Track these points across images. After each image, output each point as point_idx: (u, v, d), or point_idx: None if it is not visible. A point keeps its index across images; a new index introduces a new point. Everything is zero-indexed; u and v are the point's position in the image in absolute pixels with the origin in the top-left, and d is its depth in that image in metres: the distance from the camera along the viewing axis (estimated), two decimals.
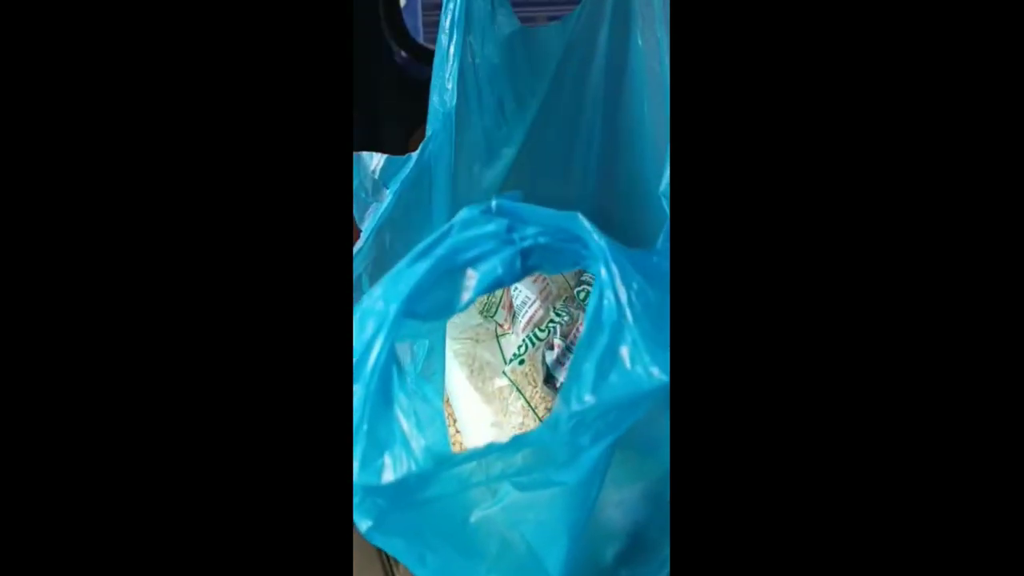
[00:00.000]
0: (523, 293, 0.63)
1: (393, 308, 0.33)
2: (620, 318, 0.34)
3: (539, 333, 0.61)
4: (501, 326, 0.67)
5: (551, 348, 0.60)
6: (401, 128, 1.12)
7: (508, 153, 0.63)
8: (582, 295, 0.63)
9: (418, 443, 0.33)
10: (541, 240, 0.35)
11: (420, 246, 0.34)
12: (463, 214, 0.35)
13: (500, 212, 0.35)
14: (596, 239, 0.36)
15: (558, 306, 0.62)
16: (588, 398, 0.33)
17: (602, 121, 0.68)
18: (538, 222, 0.35)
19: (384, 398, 0.34)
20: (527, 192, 0.46)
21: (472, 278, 0.34)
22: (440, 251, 0.34)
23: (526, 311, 0.62)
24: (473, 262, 0.34)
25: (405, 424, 0.34)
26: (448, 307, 0.35)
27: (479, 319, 0.68)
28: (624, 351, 0.35)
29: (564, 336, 0.60)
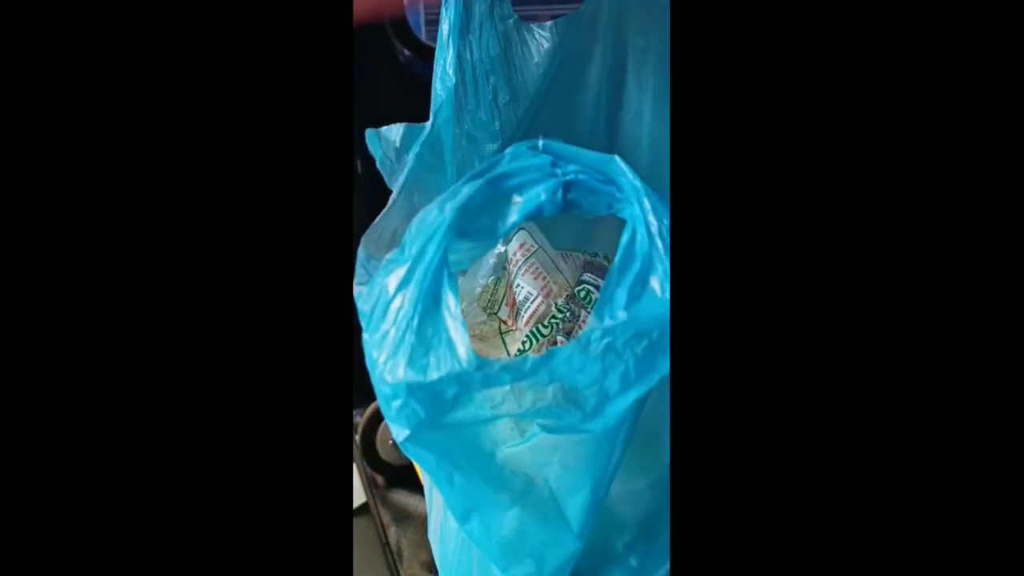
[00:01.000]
0: (525, 289, 0.64)
1: (448, 213, 0.35)
2: (651, 249, 0.37)
3: (543, 329, 0.62)
4: (504, 323, 0.68)
5: (554, 344, 0.62)
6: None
7: (496, 147, 0.64)
8: (582, 293, 0.65)
9: (463, 345, 0.36)
10: (581, 177, 0.38)
11: (473, 170, 0.37)
12: (511, 149, 0.38)
13: (546, 150, 0.39)
14: (631, 179, 0.39)
15: (559, 303, 0.64)
16: (620, 314, 0.36)
17: (605, 123, 0.70)
18: (579, 161, 0.39)
19: (434, 300, 0.36)
20: None
21: (517, 203, 0.37)
22: (491, 175, 0.37)
23: (528, 306, 0.64)
24: (519, 188, 0.37)
25: (451, 327, 0.36)
26: (493, 230, 0.37)
27: (483, 316, 0.70)
28: (654, 281, 0.37)
29: (567, 333, 0.61)
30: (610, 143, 0.68)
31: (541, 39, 0.65)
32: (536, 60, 0.65)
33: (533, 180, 0.38)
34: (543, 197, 0.37)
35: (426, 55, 1.12)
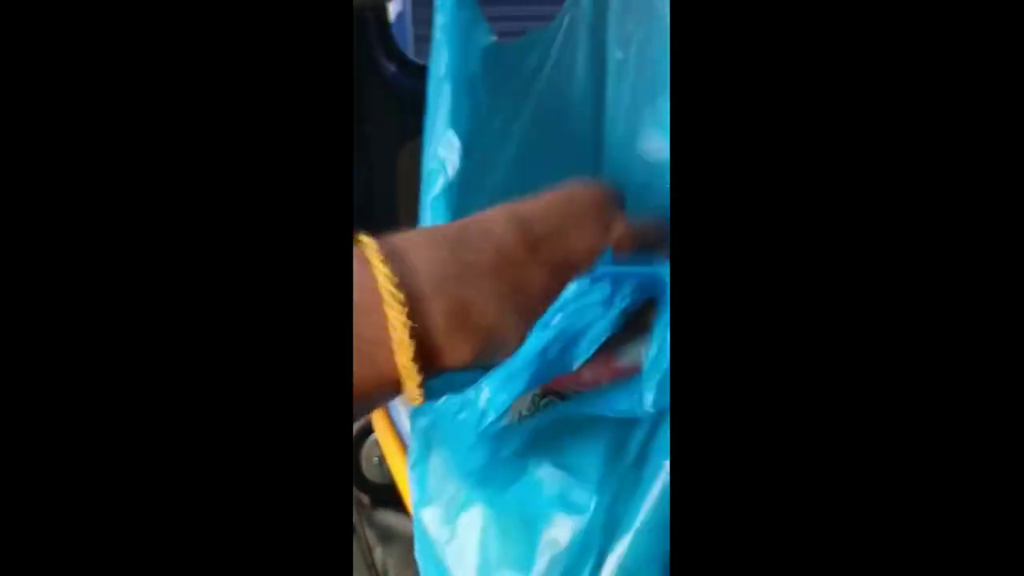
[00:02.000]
0: None
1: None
2: None
3: None
4: None
5: None
6: (390, 141, 1.13)
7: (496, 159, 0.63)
8: None
9: None
10: (635, 297, 0.37)
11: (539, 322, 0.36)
12: (572, 288, 0.37)
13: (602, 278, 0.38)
14: None
15: None
16: None
17: (591, 143, 0.67)
18: (633, 279, 0.38)
19: None
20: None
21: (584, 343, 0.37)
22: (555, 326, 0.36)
23: None
24: (584, 330, 0.37)
25: None
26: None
27: None
28: None
29: None
30: (596, 166, 0.66)
31: (517, 58, 0.63)
32: (515, 80, 0.63)
33: (596, 318, 0.37)
34: (609, 330, 0.37)
35: (412, 72, 1.10)
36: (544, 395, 0.45)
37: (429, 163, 0.54)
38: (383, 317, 0.28)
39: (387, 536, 0.98)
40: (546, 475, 0.42)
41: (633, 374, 0.37)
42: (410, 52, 1.19)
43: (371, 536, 0.98)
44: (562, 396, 0.47)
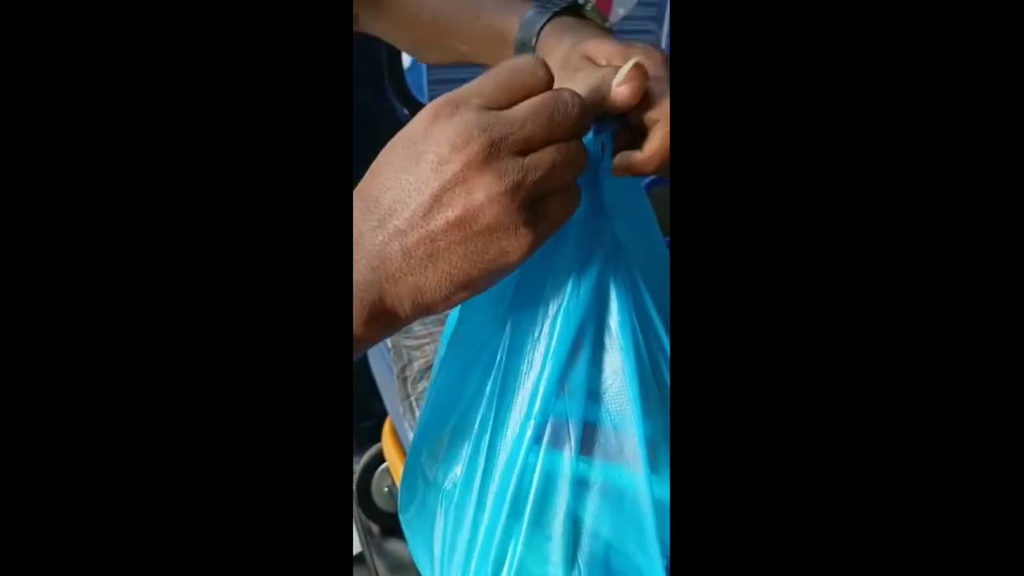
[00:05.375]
0: None
1: None
2: None
3: None
4: None
5: None
6: None
7: None
8: None
9: None
10: None
11: None
12: None
13: None
14: None
15: None
16: None
17: None
18: None
19: None
20: None
21: None
22: None
23: None
24: None
25: None
26: None
27: None
28: None
29: None
30: None
31: None
32: None
33: None
34: None
35: None
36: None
37: None
38: None
39: (398, 566, 0.96)
40: None
41: None
42: (425, 97, 1.22)
43: (381, 566, 0.96)
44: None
